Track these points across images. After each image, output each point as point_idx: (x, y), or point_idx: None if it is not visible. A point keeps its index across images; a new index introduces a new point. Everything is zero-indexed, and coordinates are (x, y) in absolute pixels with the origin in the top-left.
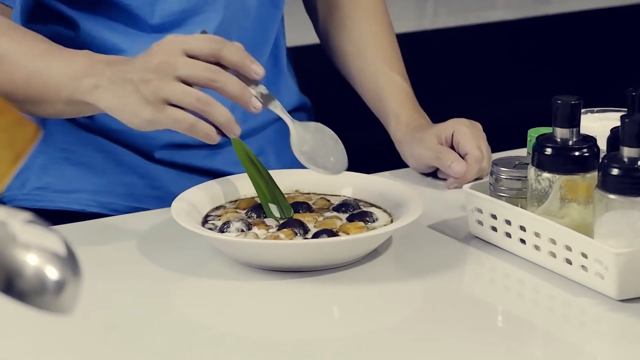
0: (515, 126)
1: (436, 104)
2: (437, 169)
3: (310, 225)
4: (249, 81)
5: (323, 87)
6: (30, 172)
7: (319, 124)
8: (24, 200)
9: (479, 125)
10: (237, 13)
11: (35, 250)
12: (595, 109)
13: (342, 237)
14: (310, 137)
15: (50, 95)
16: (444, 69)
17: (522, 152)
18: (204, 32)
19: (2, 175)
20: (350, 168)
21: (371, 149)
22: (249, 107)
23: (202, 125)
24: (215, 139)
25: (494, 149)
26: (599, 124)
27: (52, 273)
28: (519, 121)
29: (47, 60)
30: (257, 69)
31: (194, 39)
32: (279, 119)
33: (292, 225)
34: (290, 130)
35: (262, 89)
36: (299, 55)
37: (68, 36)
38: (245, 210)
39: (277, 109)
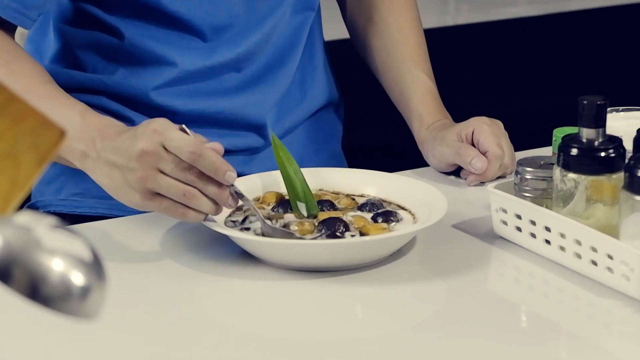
0: (538, 123)
1: (458, 100)
2: (459, 169)
3: None
4: None
5: (357, 81)
6: (67, 178)
7: (287, 231)
8: (62, 206)
9: (499, 123)
10: (280, 22)
11: (61, 255)
12: (620, 107)
13: (366, 238)
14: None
15: None
16: (465, 65)
17: (546, 151)
18: (182, 129)
19: (26, 178)
20: (380, 164)
21: (403, 143)
22: (225, 205)
23: (192, 213)
24: (201, 219)
25: (517, 147)
26: (624, 124)
27: (78, 278)
28: (541, 117)
29: (42, 107)
30: (230, 176)
31: (174, 139)
32: (310, 118)
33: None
34: (262, 228)
35: (236, 188)
36: (333, 50)
37: (110, 45)
38: (272, 206)
39: (248, 205)
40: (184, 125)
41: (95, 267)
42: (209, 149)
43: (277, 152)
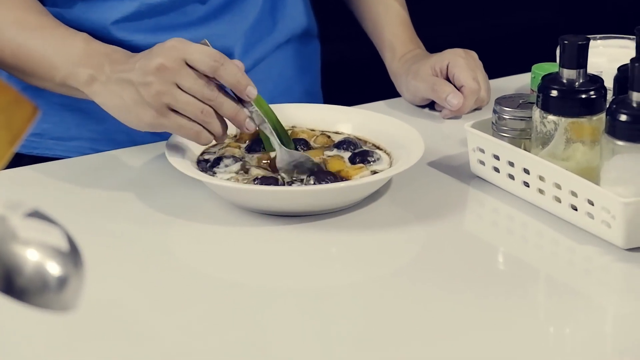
0: (514, 38)
1: (434, 16)
2: (433, 101)
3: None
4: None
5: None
6: None
7: (305, 155)
8: (19, 147)
9: (474, 54)
10: None
11: (36, 245)
12: (598, 35)
13: (341, 184)
14: (293, 165)
15: (41, 72)
16: None
17: (523, 79)
18: (204, 43)
19: None
20: (357, 96)
21: (381, 75)
22: (242, 128)
23: (205, 134)
24: (211, 141)
25: (494, 66)
26: (604, 60)
27: (54, 268)
28: (518, 32)
29: (41, 36)
30: (251, 91)
31: (196, 51)
32: (281, 49)
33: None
34: (277, 153)
35: (255, 109)
36: None
37: None
38: (246, 144)
39: (267, 130)
40: (206, 40)
41: (72, 256)
42: (230, 60)
43: None
